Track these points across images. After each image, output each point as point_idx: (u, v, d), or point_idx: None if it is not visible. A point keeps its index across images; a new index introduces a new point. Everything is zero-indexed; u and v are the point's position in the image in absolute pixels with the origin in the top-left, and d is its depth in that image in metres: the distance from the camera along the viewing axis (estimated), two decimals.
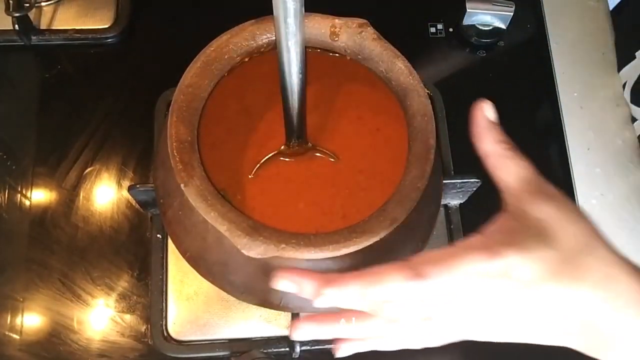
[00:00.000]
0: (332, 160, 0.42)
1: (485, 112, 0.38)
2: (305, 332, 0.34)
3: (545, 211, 0.34)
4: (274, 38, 0.43)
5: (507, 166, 0.36)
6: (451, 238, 0.60)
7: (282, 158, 0.42)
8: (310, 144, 0.42)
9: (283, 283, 0.33)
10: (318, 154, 0.42)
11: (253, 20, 0.43)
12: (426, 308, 0.32)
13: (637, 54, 0.65)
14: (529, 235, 0.33)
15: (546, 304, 0.32)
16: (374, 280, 0.31)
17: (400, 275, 0.31)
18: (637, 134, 0.57)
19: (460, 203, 0.61)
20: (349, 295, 0.31)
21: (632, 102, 0.66)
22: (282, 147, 0.42)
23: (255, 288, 0.43)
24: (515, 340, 0.34)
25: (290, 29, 0.34)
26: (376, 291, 0.31)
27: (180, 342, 0.55)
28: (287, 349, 0.54)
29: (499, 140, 0.37)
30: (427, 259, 0.32)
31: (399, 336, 0.34)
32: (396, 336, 0.34)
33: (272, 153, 0.42)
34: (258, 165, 0.41)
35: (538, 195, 0.35)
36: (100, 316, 0.56)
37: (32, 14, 0.64)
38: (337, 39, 0.43)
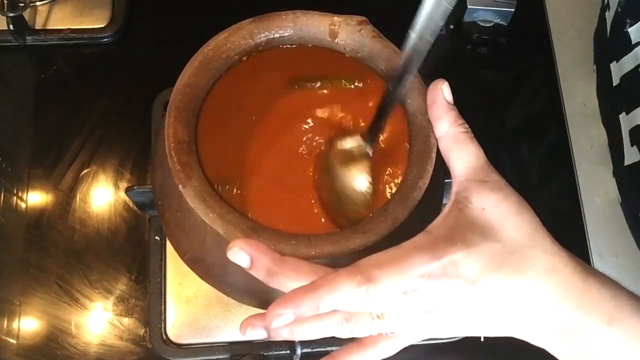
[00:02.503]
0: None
1: (443, 93, 0.38)
2: (256, 331, 0.33)
3: (490, 202, 0.34)
4: (272, 37, 0.43)
5: (459, 150, 0.36)
6: None
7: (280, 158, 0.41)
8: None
9: (239, 255, 0.33)
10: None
11: (251, 19, 0.42)
12: (378, 309, 0.32)
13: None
14: (472, 228, 0.33)
15: (494, 298, 0.33)
16: (326, 290, 0.31)
17: (350, 282, 0.31)
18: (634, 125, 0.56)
19: None
20: (302, 310, 0.30)
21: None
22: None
23: (255, 290, 0.42)
24: (471, 334, 0.34)
25: None
26: (328, 300, 0.31)
27: (179, 346, 0.54)
28: (288, 351, 0.54)
29: (457, 123, 0.37)
30: (375, 262, 0.32)
31: (355, 333, 0.34)
32: (351, 333, 0.34)
33: None
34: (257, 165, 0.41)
35: (484, 185, 0.35)
36: (98, 319, 0.56)
37: (27, 14, 0.63)
38: (336, 36, 0.43)
